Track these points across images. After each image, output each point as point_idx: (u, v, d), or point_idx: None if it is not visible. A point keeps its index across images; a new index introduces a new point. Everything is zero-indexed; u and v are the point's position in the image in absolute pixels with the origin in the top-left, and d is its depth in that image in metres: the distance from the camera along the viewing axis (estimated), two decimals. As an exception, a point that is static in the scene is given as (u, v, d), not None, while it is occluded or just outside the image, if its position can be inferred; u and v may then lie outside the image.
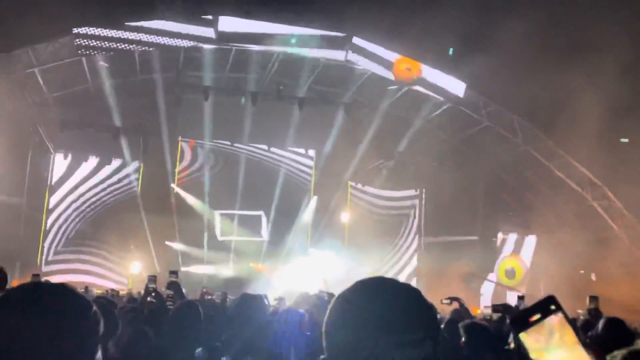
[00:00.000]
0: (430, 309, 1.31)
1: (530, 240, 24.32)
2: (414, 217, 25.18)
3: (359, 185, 24.89)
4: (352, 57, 20.91)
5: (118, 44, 19.30)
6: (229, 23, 19.89)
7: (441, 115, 22.70)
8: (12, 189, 20.61)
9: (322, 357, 1.30)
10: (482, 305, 19.91)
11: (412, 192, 25.27)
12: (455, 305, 7.82)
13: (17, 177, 20.52)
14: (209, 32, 19.78)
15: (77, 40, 18.85)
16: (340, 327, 1.28)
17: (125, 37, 19.27)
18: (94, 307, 1.35)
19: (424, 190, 24.99)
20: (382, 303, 1.27)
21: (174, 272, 7.74)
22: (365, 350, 1.21)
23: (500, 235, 24.56)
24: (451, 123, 22.92)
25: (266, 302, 11.56)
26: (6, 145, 19.58)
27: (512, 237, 24.60)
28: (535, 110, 20.77)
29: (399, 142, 23.21)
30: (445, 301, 8.26)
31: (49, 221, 21.82)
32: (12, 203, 20.66)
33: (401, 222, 25.27)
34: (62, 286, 1.38)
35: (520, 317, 1.02)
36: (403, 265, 24.93)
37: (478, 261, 23.49)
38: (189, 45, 19.92)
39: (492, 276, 24.30)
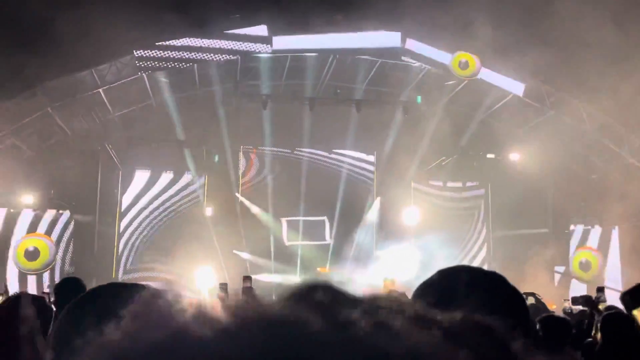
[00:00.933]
0: (517, 295, 1.22)
1: (604, 231, 23.52)
2: (481, 211, 24.73)
3: (422, 184, 24.61)
4: (408, 55, 20.75)
5: (177, 59, 19.80)
6: (283, 41, 20.14)
7: (503, 107, 22.22)
8: (85, 207, 21.31)
9: None
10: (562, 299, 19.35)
11: (477, 186, 24.81)
12: (531, 300, 7.60)
13: (88, 195, 21.20)
14: (264, 48, 20.07)
15: (138, 58, 19.37)
16: None
17: (185, 51, 19.72)
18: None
19: (489, 184, 24.50)
20: (466, 290, 1.19)
21: (248, 278, 7.72)
22: None
23: (572, 227, 23.84)
24: (514, 114, 22.39)
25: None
26: (77, 166, 20.26)
27: (585, 229, 23.84)
28: (601, 97, 20.08)
29: (460, 137, 22.84)
30: (520, 296, 8.02)
31: (121, 237, 22.42)
32: (85, 221, 21.35)
33: (468, 217, 24.82)
34: (140, 285, 1.39)
35: (634, 294, 0.90)
36: (473, 255, 24.51)
37: (550, 254, 22.86)
38: (246, 55, 20.24)
39: (563, 269, 23.60)
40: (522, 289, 7.60)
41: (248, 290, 7.17)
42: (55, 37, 16.33)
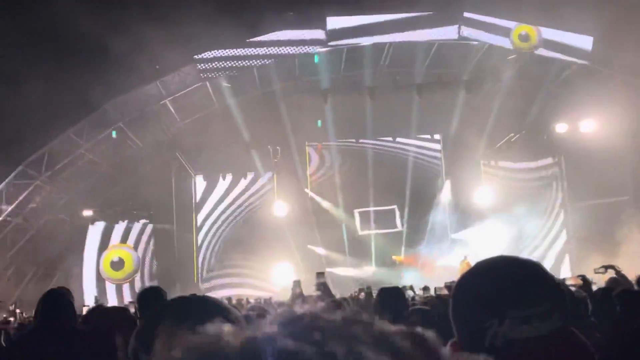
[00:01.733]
0: (554, 281, 1.25)
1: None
2: (557, 185, 24.07)
3: (492, 163, 24.17)
4: (466, 32, 20.40)
5: (236, 62, 20.21)
6: (337, 21, 20.16)
7: (570, 77, 21.51)
8: (163, 215, 22.08)
9: (451, 340, 1.27)
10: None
11: (549, 161, 24.13)
12: (612, 273, 7.37)
13: (165, 203, 21.95)
14: (319, 34, 20.15)
15: (200, 66, 19.90)
16: (465, 308, 1.26)
17: (243, 54, 20.11)
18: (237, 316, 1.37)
19: (562, 157, 23.79)
20: (505, 279, 1.23)
21: (321, 273, 7.86)
22: (493, 327, 1.17)
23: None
24: (582, 83, 21.63)
25: (410, 293, 11.56)
26: (152, 176, 21.01)
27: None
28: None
29: (528, 112, 22.25)
30: (599, 270, 7.77)
31: (199, 240, 23.11)
32: (165, 229, 22.13)
33: (542, 192, 24.19)
34: (207, 299, 1.43)
35: None
36: (553, 237, 23.89)
37: (633, 223, 21.98)
38: (303, 52, 20.41)
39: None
40: (605, 261, 7.40)
41: (322, 286, 7.34)
42: (117, 55, 17.01)
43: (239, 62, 20.22)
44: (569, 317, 1.21)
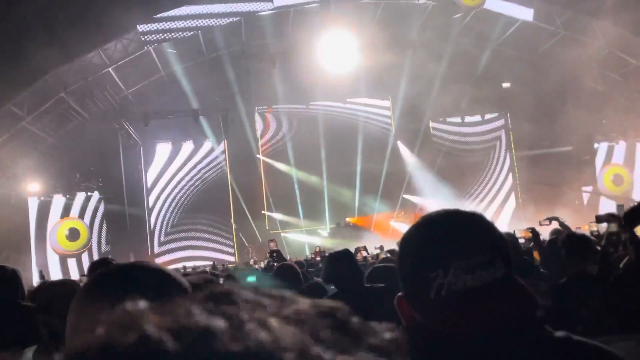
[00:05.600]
0: (495, 230, 1.29)
1: (629, 146, 23.29)
2: (502, 140, 24.73)
3: (441, 122, 24.55)
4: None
5: (180, 32, 19.71)
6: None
7: (514, 34, 21.82)
8: (112, 186, 21.66)
9: (398, 294, 1.31)
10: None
11: (495, 115, 24.75)
12: (555, 225, 7.60)
13: (113, 174, 21.54)
14: (266, 6, 19.80)
15: (142, 33, 19.32)
16: (410, 260, 1.28)
17: (187, 24, 19.61)
18: (186, 284, 1.28)
19: (508, 113, 24.39)
20: (447, 230, 1.26)
21: (272, 240, 7.92)
22: (437, 279, 1.19)
23: (596, 145, 23.65)
24: (526, 40, 22.00)
25: (364, 254, 11.73)
26: (99, 147, 20.53)
27: (610, 145, 23.66)
28: (614, 11, 19.52)
29: (474, 70, 22.55)
30: (544, 222, 8.00)
31: (150, 211, 22.83)
32: (115, 200, 21.75)
33: (490, 146, 24.85)
34: (149, 266, 1.32)
35: (635, 212, 0.97)
36: (498, 188, 24.64)
37: (575, 173, 22.79)
38: (247, 13, 20.03)
39: (591, 189, 23.51)
40: (550, 213, 7.64)
41: (275, 252, 7.44)
42: (57, 23, 16.38)
43: (183, 28, 19.67)
44: (512, 265, 1.24)
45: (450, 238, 1.24)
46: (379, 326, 0.49)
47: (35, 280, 16.53)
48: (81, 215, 21.61)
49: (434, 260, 1.21)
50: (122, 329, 0.43)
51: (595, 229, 10.52)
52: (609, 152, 23.72)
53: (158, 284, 1.23)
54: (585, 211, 20.63)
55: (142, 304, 0.48)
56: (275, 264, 7.51)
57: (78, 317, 1.21)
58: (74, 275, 19.27)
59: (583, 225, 11.90)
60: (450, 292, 1.18)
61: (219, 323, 0.43)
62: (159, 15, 19.37)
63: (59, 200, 21.39)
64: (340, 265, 4.41)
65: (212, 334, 0.42)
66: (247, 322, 0.44)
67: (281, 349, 0.42)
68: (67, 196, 21.38)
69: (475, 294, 1.18)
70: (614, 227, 4.26)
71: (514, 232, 7.42)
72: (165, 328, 0.43)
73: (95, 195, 21.78)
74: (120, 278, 1.25)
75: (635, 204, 3.15)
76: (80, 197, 21.62)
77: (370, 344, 0.46)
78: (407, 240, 1.31)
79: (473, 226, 1.27)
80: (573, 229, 7.41)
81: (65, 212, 21.44)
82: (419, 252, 1.26)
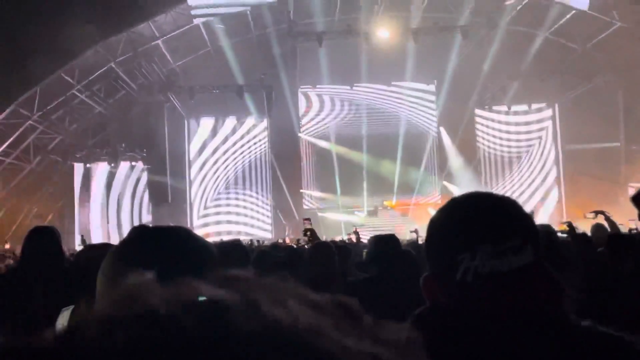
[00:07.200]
0: (526, 215, 1.26)
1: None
2: (550, 131, 24.22)
3: (486, 109, 24.18)
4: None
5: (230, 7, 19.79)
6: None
7: (567, 24, 21.22)
8: (156, 158, 22.04)
9: (425, 274, 1.30)
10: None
11: (543, 106, 24.20)
12: (601, 218, 7.40)
13: (158, 145, 21.89)
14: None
15: (192, 6, 19.46)
16: (437, 243, 1.28)
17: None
18: (214, 250, 1.30)
19: (556, 104, 23.83)
20: (476, 214, 1.24)
21: (308, 219, 7.95)
22: (464, 262, 1.18)
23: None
24: (579, 30, 21.39)
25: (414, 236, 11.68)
26: (145, 118, 20.86)
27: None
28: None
29: (523, 59, 22.06)
30: (589, 215, 7.77)
31: (192, 183, 23.20)
32: (158, 171, 22.11)
33: (535, 137, 24.39)
34: (181, 230, 1.32)
35: None
36: (542, 179, 24.18)
37: (622, 169, 22.22)
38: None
39: (638, 185, 22.88)
40: (594, 207, 7.46)
41: (310, 231, 7.46)
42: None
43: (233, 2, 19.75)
44: (540, 252, 1.23)
45: (479, 221, 1.23)
46: (393, 325, 0.49)
47: (78, 245, 17.02)
48: (124, 184, 22.08)
49: (461, 243, 1.21)
50: (127, 301, 0.41)
51: (634, 226, 10.27)
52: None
53: (186, 247, 1.24)
54: (630, 208, 20.09)
55: (149, 276, 0.45)
56: (308, 244, 7.55)
57: (107, 277, 1.24)
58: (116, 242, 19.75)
59: (627, 222, 11.64)
60: (476, 275, 1.19)
61: (234, 298, 0.42)
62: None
63: (103, 168, 21.88)
64: (386, 249, 4.44)
65: (225, 309, 0.40)
66: (264, 301, 0.42)
67: (300, 329, 0.40)
68: (112, 164, 21.83)
69: (501, 279, 1.18)
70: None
71: (549, 225, 7.28)
72: (174, 301, 0.41)
73: (139, 165, 22.21)
74: (149, 240, 1.26)
75: None
76: (124, 166, 22.07)
77: (384, 339, 0.45)
78: (436, 222, 1.32)
79: (502, 210, 1.26)
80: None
81: (109, 180, 21.94)
82: (446, 233, 1.26)
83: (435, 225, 1.31)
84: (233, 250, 3.97)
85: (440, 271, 1.26)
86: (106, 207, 22.19)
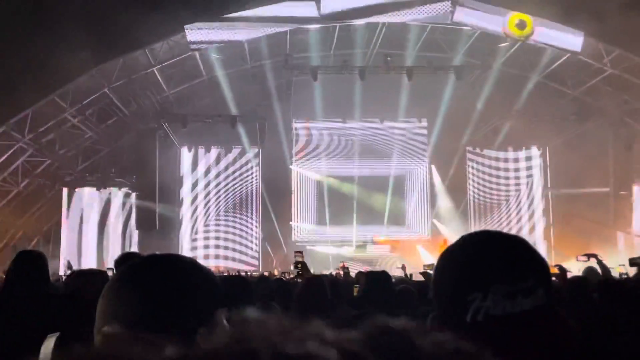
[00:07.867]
0: (539, 256, 1.23)
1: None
2: (539, 175, 24.37)
3: (477, 150, 24.33)
4: (459, 17, 20.25)
5: (227, 37, 19.92)
6: (331, 3, 19.87)
7: (559, 68, 21.54)
8: (145, 184, 21.88)
9: (432, 314, 1.26)
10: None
11: (534, 151, 24.39)
12: (592, 262, 7.38)
13: (148, 173, 21.76)
14: (312, 12, 19.87)
15: (189, 36, 19.60)
16: (447, 282, 1.24)
17: (233, 27, 19.82)
18: (215, 278, 1.30)
19: (547, 147, 24.03)
20: (489, 253, 1.21)
21: (299, 252, 7.89)
22: (475, 302, 1.15)
23: (635, 187, 23.11)
24: (571, 75, 21.72)
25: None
26: (136, 144, 20.80)
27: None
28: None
29: (515, 101, 22.31)
30: (581, 258, 7.76)
31: (181, 212, 23.06)
32: (147, 198, 21.96)
33: (525, 181, 24.52)
34: (183, 258, 1.32)
35: None
36: (532, 225, 24.22)
37: (613, 214, 22.31)
38: (293, 28, 20.19)
39: (631, 230, 22.97)
40: (583, 251, 7.45)
41: (300, 264, 7.44)
42: (108, 20, 16.74)
43: (229, 34, 19.89)
44: (552, 292, 1.19)
45: (492, 261, 1.20)
46: None
47: (63, 269, 16.80)
48: (112, 210, 21.92)
49: (473, 282, 1.17)
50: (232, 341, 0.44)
51: (624, 271, 10.27)
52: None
53: (190, 275, 1.23)
54: (620, 253, 20.16)
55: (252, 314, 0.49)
56: (297, 277, 7.49)
57: (109, 304, 1.21)
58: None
59: (617, 267, 11.64)
60: (487, 316, 1.15)
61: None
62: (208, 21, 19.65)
63: (92, 194, 21.74)
64: (378, 286, 4.41)
65: None
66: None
67: None
68: (101, 190, 21.70)
69: (513, 321, 1.14)
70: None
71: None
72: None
73: (128, 191, 22.09)
74: (153, 267, 1.25)
75: None
76: (113, 192, 21.94)
77: None
78: (446, 260, 1.27)
79: (515, 250, 1.23)
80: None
81: (97, 205, 21.78)
82: (458, 272, 1.22)
83: (445, 263, 1.27)
84: (236, 284, 3.93)
85: (450, 310, 1.22)
86: (95, 232, 22.00)
